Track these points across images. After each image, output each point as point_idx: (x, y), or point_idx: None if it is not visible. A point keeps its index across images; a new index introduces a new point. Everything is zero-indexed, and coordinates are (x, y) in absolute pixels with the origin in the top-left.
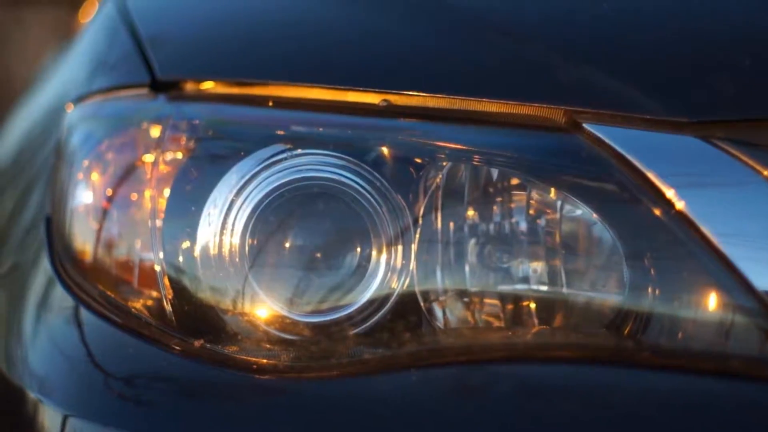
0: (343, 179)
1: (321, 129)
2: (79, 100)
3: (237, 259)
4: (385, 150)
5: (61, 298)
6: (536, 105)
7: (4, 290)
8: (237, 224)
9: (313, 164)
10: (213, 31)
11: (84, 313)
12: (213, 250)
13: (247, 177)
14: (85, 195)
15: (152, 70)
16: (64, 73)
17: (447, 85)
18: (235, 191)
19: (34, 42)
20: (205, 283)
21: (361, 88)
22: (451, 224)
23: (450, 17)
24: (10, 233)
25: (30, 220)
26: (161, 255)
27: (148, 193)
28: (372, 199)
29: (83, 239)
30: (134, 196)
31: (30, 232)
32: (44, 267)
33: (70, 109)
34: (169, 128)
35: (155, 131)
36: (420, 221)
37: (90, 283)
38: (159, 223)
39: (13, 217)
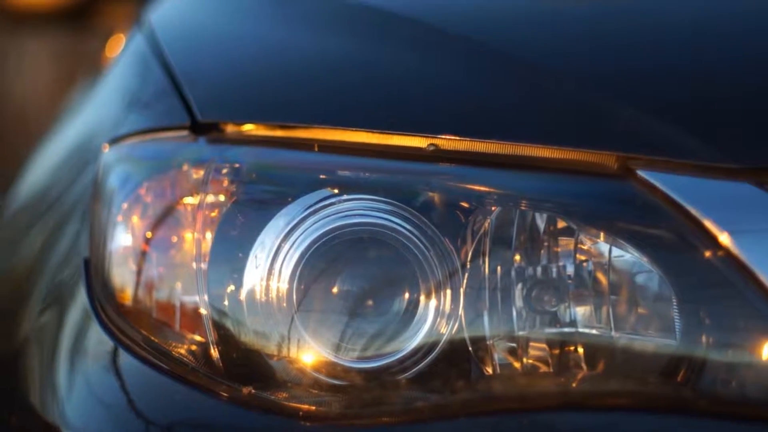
0: (391, 224)
1: (368, 174)
2: (115, 140)
3: (284, 304)
4: (432, 195)
5: (99, 341)
6: (587, 151)
7: (36, 334)
8: (284, 269)
9: (361, 209)
10: (251, 71)
11: (124, 358)
12: (260, 295)
13: (294, 222)
14: (124, 237)
15: (192, 111)
16: (94, 110)
17: (494, 129)
18: (282, 236)
19: (30, 62)
20: (252, 328)
21: (407, 132)
22: (499, 268)
23: (492, 59)
24: (40, 272)
25: (62, 260)
26: (206, 299)
27: (189, 236)
28: (420, 244)
29: (123, 282)
30: (175, 239)
31: (63, 272)
32: (82, 309)
33: (106, 149)
34: (211, 171)
35: (197, 174)
36: (468, 266)
37: (131, 326)
38: (203, 266)
39: (43, 256)
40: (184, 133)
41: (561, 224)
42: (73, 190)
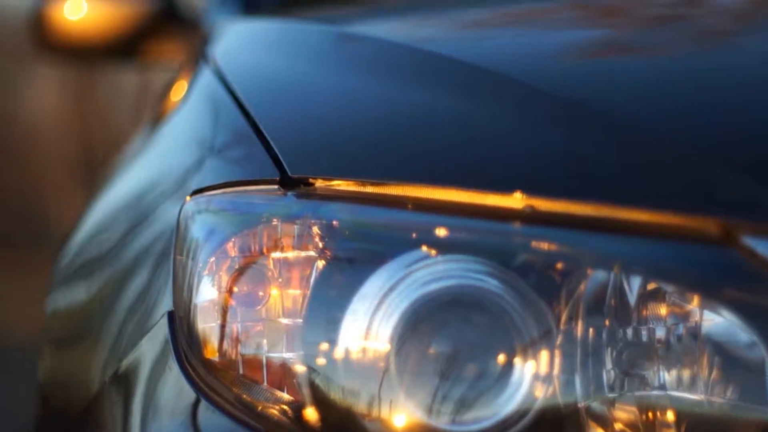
0: (486, 286)
1: (463, 234)
2: (198, 191)
3: (381, 364)
4: (528, 256)
5: (180, 395)
6: (688, 215)
7: (109, 388)
8: (381, 329)
9: (456, 270)
10: (338, 124)
11: (208, 413)
12: (354, 354)
13: (390, 283)
14: (210, 291)
15: (281, 165)
16: (158, 157)
17: (592, 190)
18: (379, 296)
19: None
20: (347, 387)
21: (503, 192)
22: (591, 331)
23: (591, 119)
24: (107, 325)
25: (130, 312)
26: (298, 356)
27: (277, 292)
28: (516, 306)
29: (208, 336)
30: (262, 294)
31: (134, 324)
32: (162, 362)
33: (189, 200)
34: (302, 228)
35: (287, 230)
36: (562, 328)
37: (217, 381)
38: (293, 323)
39: (106, 309)
40: (274, 187)
41: (654, 287)
42: (137, 240)
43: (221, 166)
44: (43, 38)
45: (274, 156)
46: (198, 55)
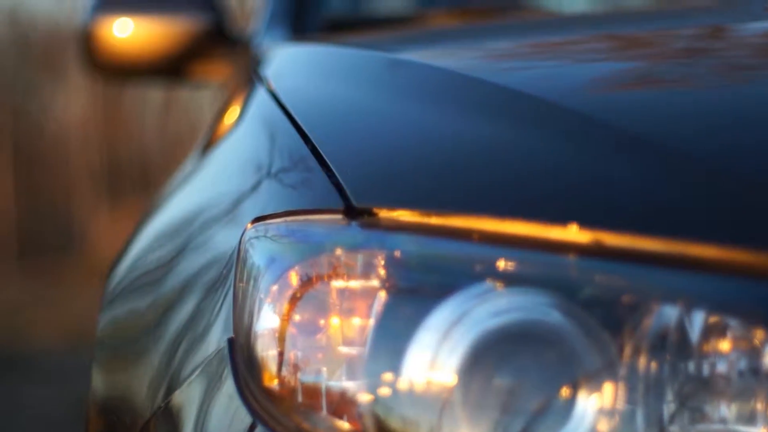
0: (551, 319)
1: (529, 267)
2: (259, 219)
3: (443, 396)
4: (594, 290)
5: (238, 422)
6: (752, 251)
7: (163, 414)
8: (444, 361)
9: (522, 303)
10: (401, 153)
11: None
12: (418, 385)
13: (455, 315)
14: (271, 318)
15: (344, 194)
16: (214, 180)
17: (659, 225)
18: (443, 329)
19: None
20: (408, 417)
21: (569, 225)
22: (655, 364)
23: (658, 153)
24: (154, 351)
25: (184, 339)
26: (360, 385)
27: (338, 321)
28: (580, 339)
29: (268, 363)
30: (323, 323)
31: (190, 352)
32: (219, 389)
33: (250, 228)
34: (366, 258)
35: (350, 260)
36: (626, 362)
37: (276, 408)
38: (355, 352)
39: (157, 334)
40: (338, 217)
41: (718, 322)
42: (187, 265)
43: (280, 193)
44: (91, 56)
45: (336, 184)
46: (250, 77)
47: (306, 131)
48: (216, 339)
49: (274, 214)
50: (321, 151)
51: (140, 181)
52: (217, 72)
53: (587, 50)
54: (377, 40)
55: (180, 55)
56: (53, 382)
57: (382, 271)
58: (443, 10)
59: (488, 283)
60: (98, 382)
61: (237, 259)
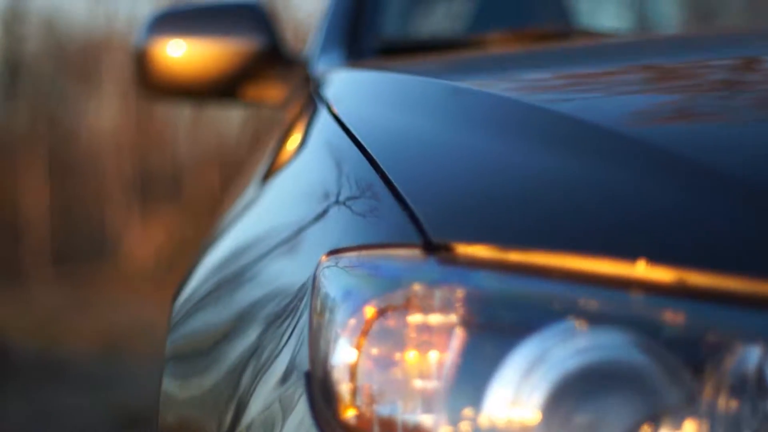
0: (633, 358)
1: (611, 305)
2: (334, 252)
3: None
4: (676, 330)
5: None
6: None
7: None
8: (525, 399)
9: (604, 342)
10: (477, 187)
11: None
12: (498, 422)
13: (536, 354)
14: (348, 352)
15: (422, 229)
16: (277, 208)
17: (743, 263)
18: (524, 367)
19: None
20: None
21: (652, 263)
22: (734, 404)
23: (745, 190)
24: (220, 381)
25: (250, 369)
26: (438, 420)
27: (417, 356)
28: (661, 379)
29: (345, 396)
30: (400, 358)
31: (257, 383)
32: (296, 423)
33: (325, 260)
34: (445, 293)
35: (428, 295)
36: (705, 401)
37: None
38: (432, 387)
39: (220, 361)
40: (415, 251)
41: None
42: (251, 294)
43: (351, 223)
44: (144, 76)
45: (411, 216)
46: (310, 102)
47: (377, 160)
48: (284, 369)
49: (350, 247)
50: (393, 182)
51: (172, 189)
52: (270, 93)
53: (651, 79)
54: (436, 65)
55: (233, 76)
56: (88, 389)
57: (461, 307)
58: (496, 34)
59: (570, 322)
60: (166, 401)
61: (312, 290)
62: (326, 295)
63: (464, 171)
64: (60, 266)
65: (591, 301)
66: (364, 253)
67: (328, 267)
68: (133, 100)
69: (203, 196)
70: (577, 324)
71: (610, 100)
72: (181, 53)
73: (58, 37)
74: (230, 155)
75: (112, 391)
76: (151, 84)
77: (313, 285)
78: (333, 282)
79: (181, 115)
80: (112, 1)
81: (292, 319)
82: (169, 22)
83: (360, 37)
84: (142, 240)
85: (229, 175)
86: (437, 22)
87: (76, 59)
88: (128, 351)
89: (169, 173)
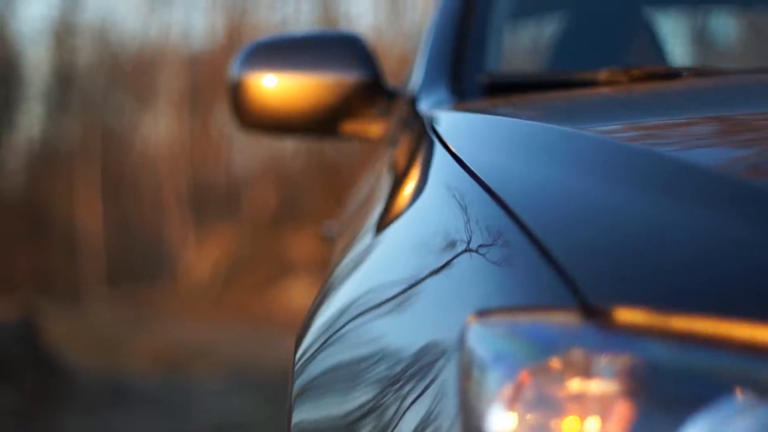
0: None
1: None
2: (483, 313)
3: None
4: None
5: None
6: None
7: None
8: None
9: None
10: (631, 246)
11: None
12: None
13: (710, 429)
14: (503, 419)
15: (577, 291)
16: (397, 256)
17: None
18: None
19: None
20: None
21: None
22: None
23: None
24: None
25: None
26: None
27: (575, 425)
28: None
29: None
30: (557, 426)
31: None
32: None
33: (473, 322)
34: (605, 360)
35: (587, 362)
36: None
37: None
38: None
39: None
40: (572, 315)
41: None
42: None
43: (491, 280)
44: (239, 109)
45: (570, 282)
46: (423, 142)
47: (521, 217)
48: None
49: (500, 309)
50: (537, 239)
51: (227, 204)
52: (370, 128)
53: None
54: (550, 107)
55: (330, 110)
56: (149, 411)
57: (626, 376)
58: (604, 72)
59: (744, 396)
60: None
61: (461, 353)
62: (477, 359)
63: (609, 226)
64: (116, 284)
65: (764, 374)
66: (515, 316)
67: (478, 330)
68: (186, 113)
69: (260, 212)
70: (753, 398)
71: (741, 148)
72: (277, 85)
73: (111, 49)
74: (286, 170)
75: (169, 412)
76: (247, 117)
77: (460, 347)
78: (484, 345)
79: (236, 129)
80: (165, 12)
81: (427, 379)
82: (265, 54)
83: (463, 72)
84: (198, 257)
85: (285, 191)
86: (535, 56)
87: (129, 71)
88: (188, 373)
89: (224, 188)
